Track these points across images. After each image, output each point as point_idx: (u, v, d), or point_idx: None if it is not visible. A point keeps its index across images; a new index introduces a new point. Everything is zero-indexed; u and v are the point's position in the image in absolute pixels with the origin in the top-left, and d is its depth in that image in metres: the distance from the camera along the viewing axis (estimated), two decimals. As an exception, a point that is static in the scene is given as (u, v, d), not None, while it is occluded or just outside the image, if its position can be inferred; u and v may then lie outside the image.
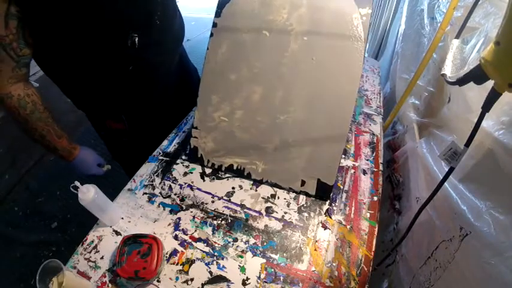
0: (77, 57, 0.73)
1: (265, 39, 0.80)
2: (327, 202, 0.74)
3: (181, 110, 1.03)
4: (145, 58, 0.80)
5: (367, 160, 0.86)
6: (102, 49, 0.72)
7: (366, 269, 0.62)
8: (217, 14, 0.83)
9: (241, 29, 0.82)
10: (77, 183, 0.59)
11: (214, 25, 0.83)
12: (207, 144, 0.83)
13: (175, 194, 0.76)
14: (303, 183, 0.76)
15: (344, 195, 0.76)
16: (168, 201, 0.74)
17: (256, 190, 0.77)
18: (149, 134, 0.95)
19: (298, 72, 0.78)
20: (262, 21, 0.80)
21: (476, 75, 0.45)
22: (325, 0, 0.78)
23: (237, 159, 0.81)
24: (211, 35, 0.84)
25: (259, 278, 0.60)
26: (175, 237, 0.67)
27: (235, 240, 0.66)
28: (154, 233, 0.66)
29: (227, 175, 0.80)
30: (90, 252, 0.64)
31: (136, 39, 0.74)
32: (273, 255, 0.64)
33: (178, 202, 0.74)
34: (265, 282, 0.60)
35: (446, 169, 0.55)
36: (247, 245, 0.66)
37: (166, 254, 0.63)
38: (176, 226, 0.69)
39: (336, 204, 0.74)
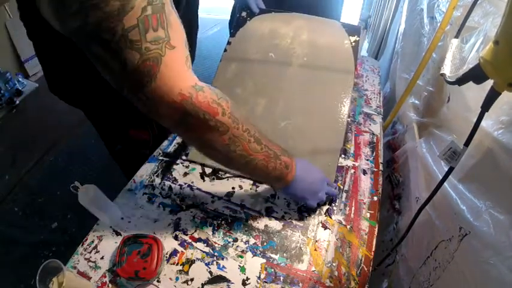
0: None
1: (270, 59, 0.95)
2: (327, 202, 0.74)
3: None
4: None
5: (367, 160, 0.86)
6: None
7: (366, 269, 0.62)
8: (232, 34, 1.00)
9: (251, 49, 0.96)
10: (77, 183, 0.59)
11: (229, 43, 0.99)
12: None
13: (175, 194, 0.76)
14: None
15: (344, 195, 0.76)
16: (168, 201, 0.74)
17: (256, 190, 0.77)
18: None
19: (297, 85, 0.91)
20: (269, 44, 0.96)
21: (476, 75, 0.45)
22: (322, 31, 0.98)
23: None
24: (225, 50, 0.98)
25: (259, 278, 0.60)
26: (175, 237, 0.67)
27: (235, 240, 0.66)
28: (154, 233, 0.66)
29: (227, 175, 0.81)
30: (90, 252, 0.64)
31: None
32: (273, 255, 0.64)
33: (178, 202, 0.74)
34: (265, 282, 0.60)
35: (446, 169, 0.55)
36: (247, 245, 0.66)
37: (166, 254, 0.64)
38: (176, 226, 0.69)
39: (336, 204, 0.74)
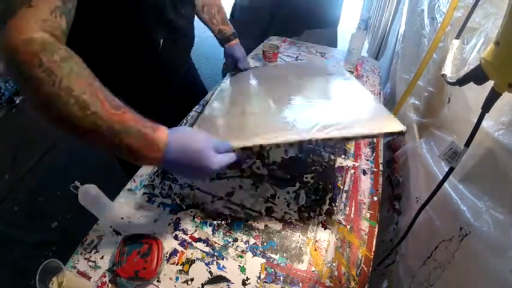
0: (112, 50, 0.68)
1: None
2: (327, 202, 0.74)
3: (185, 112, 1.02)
4: (170, 54, 0.81)
5: (367, 160, 0.86)
6: (133, 44, 0.70)
7: (365, 269, 0.62)
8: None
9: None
10: (77, 183, 0.59)
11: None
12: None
13: (175, 194, 0.76)
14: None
15: (344, 195, 0.76)
16: (168, 201, 0.74)
17: (256, 190, 0.77)
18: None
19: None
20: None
21: (476, 76, 0.45)
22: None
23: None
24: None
25: (259, 278, 0.60)
26: (175, 237, 0.67)
27: (235, 240, 0.66)
28: (154, 233, 0.66)
29: (227, 175, 0.80)
30: (90, 252, 0.64)
31: (161, 41, 0.75)
32: (273, 255, 0.64)
33: (178, 202, 0.74)
34: (265, 282, 0.60)
35: (446, 169, 0.55)
36: (247, 245, 0.66)
37: (166, 254, 0.63)
38: (176, 226, 0.69)
39: (336, 204, 0.74)
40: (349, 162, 0.85)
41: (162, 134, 0.48)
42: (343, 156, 0.86)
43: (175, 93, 0.99)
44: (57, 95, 0.40)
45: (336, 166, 0.83)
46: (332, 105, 0.77)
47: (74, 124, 0.42)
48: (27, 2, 0.42)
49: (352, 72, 1.21)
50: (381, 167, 0.84)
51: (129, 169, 0.94)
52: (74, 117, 0.42)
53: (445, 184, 0.59)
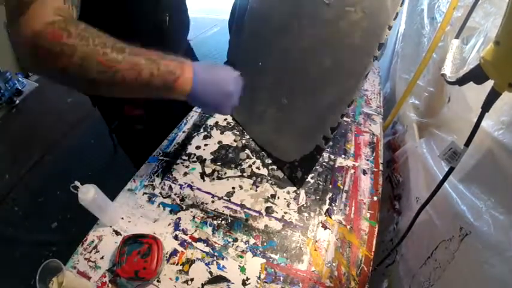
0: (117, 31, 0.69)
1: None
2: (327, 202, 0.74)
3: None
4: (173, 36, 0.85)
5: (367, 160, 0.86)
6: (139, 26, 0.74)
7: (366, 269, 0.62)
8: None
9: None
10: (77, 183, 0.59)
11: None
12: None
13: (175, 194, 0.76)
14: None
15: (344, 195, 0.76)
16: (168, 201, 0.74)
17: (256, 190, 0.77)
18: (162, 122, 0.94)
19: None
20: None
21: (476, 75, 0.45)
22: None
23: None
24: None
25: (259, 278, 0.60)
26: (175, 237, 0.67)
27: (235, 240, 0.66)
28: (154, 233, 0.66)
29: (227, 175, 0.80)
30: (90, 252, 0.64)
31: (167, 18, 0.78)
32: (273, 255, 0.64)
33: (178, 202, 0.74)
34: (265, 282, 0.60)
35: (446, 169, 0.55)
36: (247, 245, 0.66)
37: (166, 254, 0.63)
38: (176, 226, 0.69)
39: (336, 204, 0.74)
40: (349, 162, 0.85)
41: (185, 64, 0.53)
42: (343, 156, 0.86)
43: None
44: (94, 50, 0.44)
45: (336, 166, 0.83)
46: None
47: (115, 69, 0.46)
48: None
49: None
50: (381, 167, 0.84)
51: (126, 146, 0.98)
52: (114, 61, 0.45)
53: (445, 184, 0.59)
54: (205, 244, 0.66)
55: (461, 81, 0.50)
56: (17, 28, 0.43)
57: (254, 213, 0.72)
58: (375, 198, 0.75)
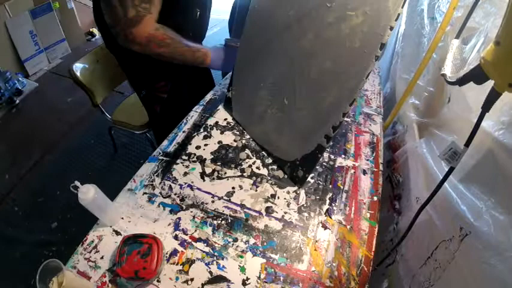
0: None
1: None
2: (327, 202, 0.74)
3: (207, 82, 1.38)
4: (202, 27, 1.11)
5: (367, 160, 0.86)
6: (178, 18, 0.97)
7: (366, 269, 0.62)
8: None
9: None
10: (77, 183, 0.59)
11: None
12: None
13: (175, 194, 0.76)
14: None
15: (344, 195, 0.76)
16: (168, 201, 0.74)
17: (256, 190, 0.77)
18: (181, 94, 1.18)
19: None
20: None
21: (476, 75, 0.45)
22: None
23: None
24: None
25: (259, 278, 0.60)
26: (175, 237, 0.67)
27: (235, 240, 0.66)
28: (154, 233, 0.66)
29: (227, 175, 0.80)
30: (90, 252, 0.64)
31: (198, 13, 1.01)
32: (273, 255, 0.64)
33: (178, 202, 0.74)
34: (265, 282, 0.60)
35: (446, 169, 0.55)
36: (247, 245, 0.66)
37: (166, 254, 0.63)
38: (176, 226, 0.69)
39: (336, 204, 0.74)
40: (349, 162, 0.85)
41: (209, 51, 0.97)
42: (343, 156, 0.86)
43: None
44: (176, 44, 0.89)
45: (336, 166, 0.83)
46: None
47: (183, 54, 0.92)
48: (149, 11, 0.80)
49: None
50: (381, 167, 0.84)
51: (151, 112, 1.22)
52: (183, 50, 0.91)
53: (445, 184, 0.59)
54: (205, 244, 0.66)
55: (461, 81, 0.50)
56: (133, 33, 0.79)
57: (254, 213, 0.72)
58: (375, 198, 0.75)
